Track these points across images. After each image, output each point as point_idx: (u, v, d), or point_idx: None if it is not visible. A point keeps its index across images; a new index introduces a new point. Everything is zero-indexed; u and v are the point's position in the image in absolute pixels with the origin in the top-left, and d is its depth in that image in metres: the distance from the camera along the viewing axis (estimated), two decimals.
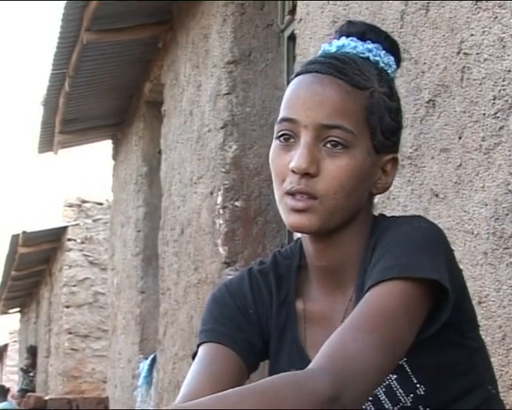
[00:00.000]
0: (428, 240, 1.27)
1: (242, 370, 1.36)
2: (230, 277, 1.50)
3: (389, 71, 1.39)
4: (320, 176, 1.29)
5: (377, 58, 1.38)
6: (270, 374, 1.39)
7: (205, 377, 1.31)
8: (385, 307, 1.18)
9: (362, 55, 1.37)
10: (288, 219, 1.31)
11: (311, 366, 1.11)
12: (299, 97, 1.33)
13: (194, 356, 1.38)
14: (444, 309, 1.24)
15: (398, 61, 1.43)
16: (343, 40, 1.40)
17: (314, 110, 1.30)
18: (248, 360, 1.37)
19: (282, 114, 1.34)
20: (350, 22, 1.43)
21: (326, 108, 1.30)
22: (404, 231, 1.29)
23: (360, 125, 1.31)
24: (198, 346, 1.38)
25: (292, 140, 1.32)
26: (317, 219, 1.29)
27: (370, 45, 1.38)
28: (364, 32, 1.40)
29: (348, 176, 1.29)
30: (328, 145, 1.30)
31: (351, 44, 1.38)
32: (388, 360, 1.16)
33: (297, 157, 1.29)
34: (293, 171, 1.29)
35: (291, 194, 1.30)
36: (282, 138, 1.33)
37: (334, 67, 1.33)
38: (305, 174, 1.28)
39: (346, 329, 1.16)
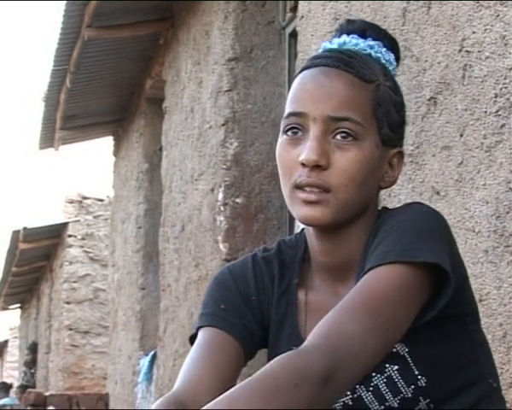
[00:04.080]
0: (429, 225, 1.27)
1: (240, 356, 1.36)
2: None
3: (390, 68, 1.40)
4: (330, 169, 1.29)
5: (379, 55, 1.38)
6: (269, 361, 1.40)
7: (204, 363, 1.31)
8: (382, 291, 1.19)
9: (364, 52, 1.38)
10: (299, 211, 1.30)
11: (306, 343, 1.12)
12: (306, 91, 1.33)
13: (192, 338, 1.38)
14: (442, 294, 1.24)
15: (398, 58, 1.43)
16: (344, 38, 1.40)
17: (322, 102, 1.30)
18: (247, 346, 1.37)
19: (289, 109, 1.34)
20: (349, 21, 1.44)
21: (334, 100, 1.30)
22: (405, 217, 1.29)
23: (368, 117, 1.31)
24: (197, 329, 1.38)
25: (300, 134, 1.31)
26: (330, 212, 1.29)
27: (372, 42, 1.39)
28: (365, 29, 1.41)
29: (358, 168, 1.29)
30: (338, 137, 1.30)
31: (352, 42, 1.39)
32: (381, 344, 1.17)
33: (307, 150, 1.29)
34: (302, 164, 1.29)
35: (301, 187, 1.29)
36: (289, 132, 1.33)
37: (340, 60, 1.34)
38: (315, 167, 1.28)
39: (342, 309, 1.17)
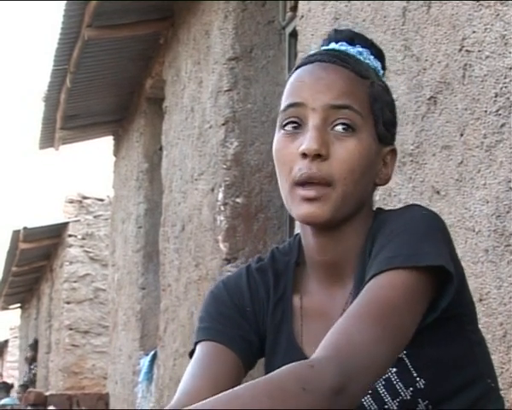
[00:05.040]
0: (430, 227, 1.27)
1: (239, 368, 1.36)
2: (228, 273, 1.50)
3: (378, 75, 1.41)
4: (330, 160, 1.28)
5: (367, 61, 1.40)
6: (266, 371, 1.39)
7: (202, 377, 1.31)
8: (388, 298, 1.18)
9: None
10: (298, 209, 1.30)
11: (315, 355, 1.10)
12: (304, 83, 1.33)
13: (191, 354, 1.38)
14: (444, 296, 1.24)
15: (384, 68, 1.44)
16: (333, 45, 1.41)
17: (321, 93, 1.30)
18: (245, 357, 1.37)
19: (286, 101, 1.33)
20: (337, 30, 1.45)
21: (333, 91, 1.30)
22: (405, 220, 1.29)
23: (365, 110, 1.32)
24: (195, 344, 1.38)
25: (298, 129, 1.31)
26: (330, 208, 1.29)
27: (360, 49, 1.40)
28: (352, 37, 1.42)
29: (357, 159, 1.29)
30: (337, 129, 1.30)
31: (341, 48, 1.40)
32: (391, 352, 1.17)
33: (307, 140, 1.28)
34: (303, 154, 1.28)
35: (301, 184, 1.29)
36: (287, 127, 1.32)
37: (336, 56, 1.35)
38: (316, 157, 1.27)
39: (349, 319, 1.16)
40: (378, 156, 1.35)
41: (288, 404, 1.02)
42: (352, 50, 1.39)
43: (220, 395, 1.04)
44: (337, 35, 1.42)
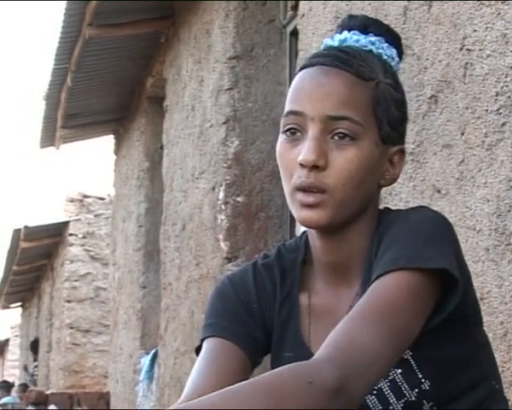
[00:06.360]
0: (436, 230, 1.27)
1: (246, 364, 1.36)
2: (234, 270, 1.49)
3: (392, 63, 1.39)
4: (329, 169, 1.28)
5: (380, 51, 1.37)
6: (272, 366, 1.39)
7: (209, 374, 1.31)
8: (392, 298, 1.18)
9: (365, 48, 1.36)
10: (299, 214, 1.30)
11: (316, 355, 1.10)
12: (304, 90, 1.32)
13: (197, 350, 1.38)
14: (450, 299, 1.23)
15: (401, 54, 1.42)
16: (345, 34, 1.39)
17: (320, 102, 1.29)
18: (252, 354, 1.37)
19: (288, 108, 1.33)
20: (351, 16, 1.43)
21: (332, 100, 1.29)
22: (411, 222, 1.28)
23: (367, 116, 1.31)
24: (202, 340, 1.38)
25: (299, 134, 1.31)
26: (328, 214, 1.29)
27: (373, 38, 1.38)
28: (366, 25, 1.39)
29: (357, 168, 1.29)
30: (336, 137, 1.29)
31: (353, 38, 1.38)
32: (394, 353, 1.16)
33: (305, 150, 1.28)
34: (301, 164, 1.28)
35: (301, 189, 1.29)
36: (288, 133, 1.32)
37: (338, 59, 1.33)
38: (314, 167, 1.27)
39: (352, 319, 1.16)
40: (383, 158, 1.34)
41: (286, 403, 1.02)
42: (364, 40, 1.37)
43: (216, 392, 1.03)
44: (351, 22, 1.40)
